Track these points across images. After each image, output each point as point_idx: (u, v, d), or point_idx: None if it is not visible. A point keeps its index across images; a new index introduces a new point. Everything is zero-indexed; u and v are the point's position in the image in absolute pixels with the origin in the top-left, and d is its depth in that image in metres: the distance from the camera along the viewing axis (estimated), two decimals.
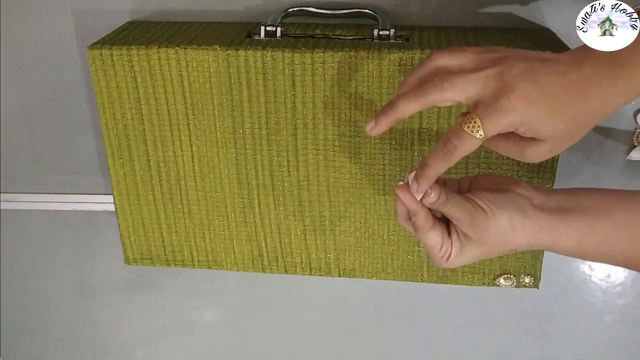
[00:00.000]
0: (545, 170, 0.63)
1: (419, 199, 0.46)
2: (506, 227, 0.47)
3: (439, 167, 0.44)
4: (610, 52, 0.41)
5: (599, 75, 0.41)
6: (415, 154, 0.63)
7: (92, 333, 0.97)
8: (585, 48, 0.42)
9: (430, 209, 0.48)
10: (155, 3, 0.72)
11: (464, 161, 0.63)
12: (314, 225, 0.69)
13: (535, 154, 0.44)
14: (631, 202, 0.48)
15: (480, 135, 0.42)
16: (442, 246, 0.49)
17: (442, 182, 0.50)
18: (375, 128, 0.46)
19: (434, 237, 0.48)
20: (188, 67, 0.62)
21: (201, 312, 0.92)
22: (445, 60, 0.45)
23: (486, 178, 0.51)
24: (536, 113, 0.41)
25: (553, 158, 0.62)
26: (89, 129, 0.79)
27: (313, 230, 0.69)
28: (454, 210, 0.47)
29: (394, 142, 0.63)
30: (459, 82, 0.43)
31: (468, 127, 0.42)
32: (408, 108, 0.45)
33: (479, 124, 0.42)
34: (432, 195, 0.46)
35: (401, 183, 0.47)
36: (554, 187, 0.63)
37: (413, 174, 0.46)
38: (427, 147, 0.63)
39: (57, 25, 0.73)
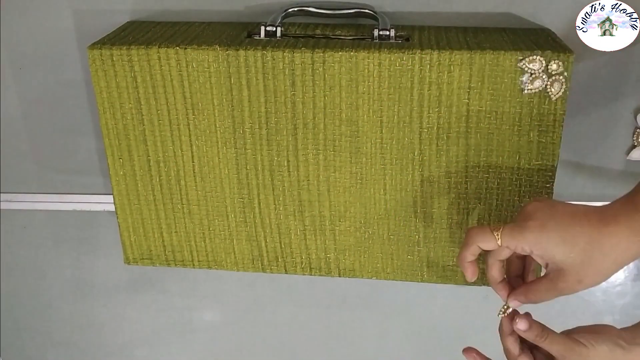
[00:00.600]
0: (545, 170, 0.63)
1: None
2: (608, 356, 0.51)
3: (469, 253, 0.55)
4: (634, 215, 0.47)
5: (617, 212, 0.48)
6: (415, 154, 0.63)
7: (92, 333, 0.97)
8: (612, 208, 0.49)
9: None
10: (155, 3, 0.72)
11: (463, 160, 0.63)
12: (314, 225, 0.69)
13: (565, 284, 0.50)
14: None
15: (499, 240, 0.51)
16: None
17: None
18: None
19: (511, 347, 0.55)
20: (188, 67, 0.62)
21: (201, 312, 0.92)
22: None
23: (578, 330, 0.55)
24: (547, 240, 0.49)
25: (553, 158, 0.62)
26: (89, 129, 0.79)
27: (313, 230, 0.69)
28: (554, 344, 0.52)
29: (394, 142, 0.63)
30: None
31: (495, 231, 0.52)
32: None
33: (499, 233, 0.52)
34: (523, 325, 0.53)
35: (473, 351, 0.58)
36: (553, 187, 0.63)
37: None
38: (428, 147, 0.63)
39: (57, 25, 0.73)
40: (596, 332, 0.53)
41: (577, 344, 0.51)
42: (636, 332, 0.53)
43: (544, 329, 0.53)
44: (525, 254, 0.51)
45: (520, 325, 0.53)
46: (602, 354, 0.51)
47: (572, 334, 0.53)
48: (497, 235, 0.51)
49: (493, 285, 0.57)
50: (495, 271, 0.55)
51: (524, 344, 0.56)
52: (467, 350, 0.58)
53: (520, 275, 0.57)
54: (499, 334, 0.57)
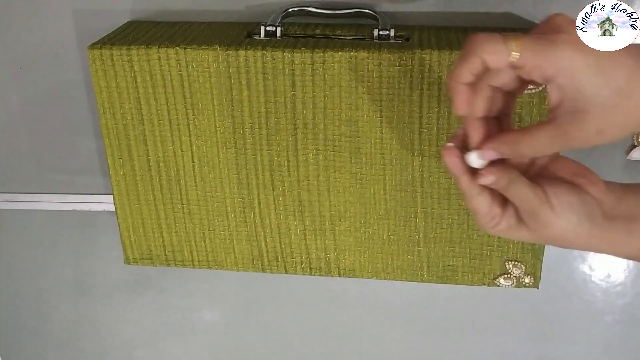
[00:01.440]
0: None
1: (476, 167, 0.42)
2: (568, 230, 0.43)
3: (462, 75, 0.40)
4: None
5: None
6: (415, 154, 0.63)
7: (92, 333, 0.97)
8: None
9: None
10: (156, 3, 0.72)
11: None
12: (314, 225, 0.69)
13: (580, 132, 0.38)
14: None
15: (514, 55, 0.37)
16: (488, 214, 0.44)
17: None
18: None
19: (478, 204, 0.44)
20: (188, 67, 0.62)
21: (201, 312, 0.92)
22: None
23: (566, 163, 0.45)
24: (584, 62, 0.36)
25: None
26: (89, 129, 0.79)
27: (313, 230, 0.69)
28: (517, 197, 0.42)
29: (394, 142, 0.63)
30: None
31: (508, 42, 0.38)
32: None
33: (522, 43, 0.37)
34: (489, 178, 0.42)
35: (450, 145, 0.42)
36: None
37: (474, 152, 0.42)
38: (428, 147, 0.63)
39: (57, 25, 0.73)
40: (577, 189, 0.44)
41: (543, 204, 0.42)
42: (624, 199, 0.45)
43: (511, 177, 0.42)
44: (538, 81, 0.38)
45: (486, 179, 0.41)
46: (567, 224, 0.43)
47: (550, 184, 0.43)
48: (514, 46, 0.37)
49: (468, 121, 0.42)
50: (480, 99, 0.41)
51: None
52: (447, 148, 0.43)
53: (496, 118, 0.43)
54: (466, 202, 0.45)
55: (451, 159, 0.43)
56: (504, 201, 0.44)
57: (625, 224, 0.45)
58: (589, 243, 0.44)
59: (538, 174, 0.45)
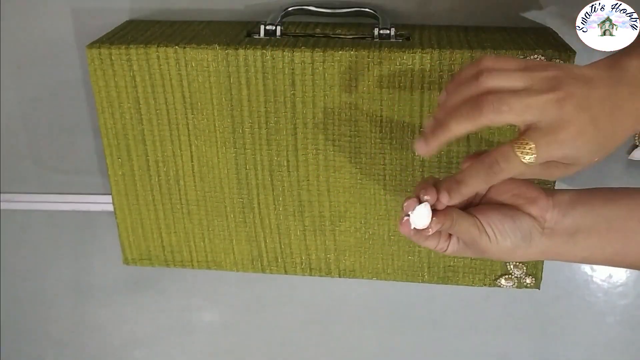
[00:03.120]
0: None
1: (442, 206, 0.45)
2: (507, 250, 0.47)
3: (477, 187, 0.44)
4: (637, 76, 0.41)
5: (631, 103, 0.41)
6: (416, 154, 0.63)
7: (91, 333, 0.96)
8: (618, 60, 0.42)
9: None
10: (155, 2, 0.71)
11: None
12: (314, 225, 0.68)
13: (561, 174, 0.43)
14: None
15: (530, 161, 0.41)
16: (436, 247, 0.50)
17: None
18: (426, 148, 0.44)
19: (427, 245, 0.49)
20: (187, 67, 0.62)
21: (200, 312, 0.92)
22: (497, 81, 0.42)
23: (506, 185, 0.48)
24: (588, 148, 0.41)
25: None
26: (87, 128, 0.79)
27: (313, 231, 0.69)
28: (459, 233, 0.47)
29: (394, 142, 0.63)
30: (518, 106, 0.40)
31: (521, 151, 0.41)
32: (460, 129, 0.42)
33: (534, 150, 0.40)
34: (438, 225, 0.46)
35: (406, 218, 0.46)
36: (560, 188, 0.62)
37: (416, 207, 0.45)
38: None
39: (56, 24, 0.73)
40: (514, 212, 0.48)
41: (482, 235, 0.47)
42: (569, 214, 0.48)
43: (453, 218, 0.46)
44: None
45: (433, 230, 0.45)
46: (503, 249, 0.47)
47: (485, 215, 0.47)
48: (526, 155, 0.41)
49: (424, 185, 0.46)
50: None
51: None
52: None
53: None
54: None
55: (406, 231, 0.47)
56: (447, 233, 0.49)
57: (567, 237, 0.48)
58: (530, 256, 0.48)
59: (478, 202, 0.50)
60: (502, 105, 0.40)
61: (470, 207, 0.50)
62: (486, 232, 0.47)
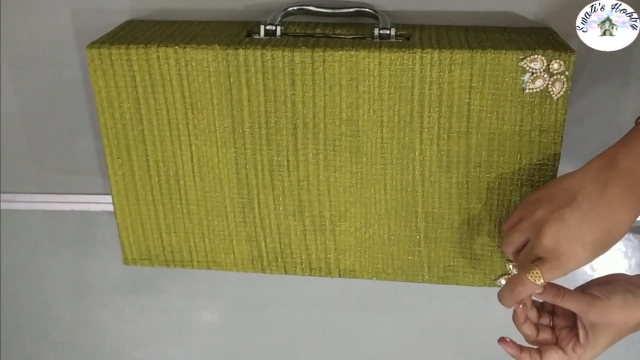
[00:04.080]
0: (547, 170, 0.62)
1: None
2: (623, 306, 0.54)
3: (510, 303, 0.56)
4: (630, 169, 0.49)
5: (624, 197, 0.50)
6: (416, 154, 0.63)
7: (90, 334, 0.96)
8: (603, 165, 0.52)
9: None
10: (155, 2, 0.71)
11: (464, 160, 0.63)
12: (314, 225, 0.68)
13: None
14: None
15: (541, 283, 0.53)
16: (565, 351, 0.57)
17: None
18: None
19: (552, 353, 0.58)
20: (187, 67, 0.62)
21: (200, 313, 0.92)
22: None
23: (590, 283, 0.57)
24: (584, 261, 0.52)
25: (554, 157, 0.62)
26: (87, 128, 0.79)
27: (313, 231, 0.69)
28: (571, 301, 0.55)
29: (394, 142, 0.63)
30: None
31: (532, 277, 0.53)
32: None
33: (541, 275, 0.52)
34: (543, 291, 0.55)
35: (508, 339, 0.60)
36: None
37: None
38: (429, 147, 0.62)
39: (56, 24, 0.73)
40: (606, 282, 0.55)
41: (593, 298, 0.54)
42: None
43: (559, 288, 0.55)
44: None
45: (537, 289, 0.55)
46: (617, 302, 0.53)
47: (585, 290, 0.56)
48: (536, 279, 0.53)
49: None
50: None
51: (543, 311, 0.60)
52: (502, 340, 0.60)
53: None
54: (514, 323, 0.59)
55: (509, 349, 0.61)
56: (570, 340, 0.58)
57: None
58: None
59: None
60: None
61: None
62: (594, 294, 0.54)
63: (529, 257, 0.54)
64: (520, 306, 0.57)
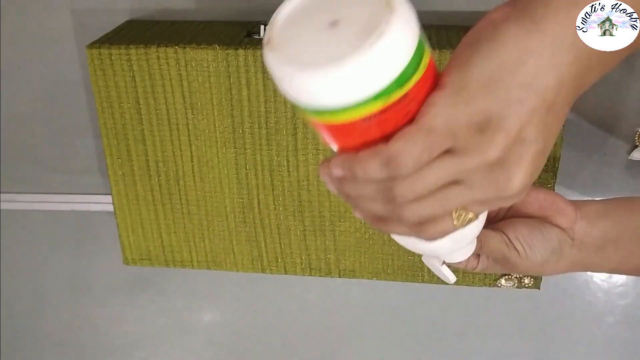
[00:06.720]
0: (547, 170, 0.62)
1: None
2: (538, 264, 0.47)
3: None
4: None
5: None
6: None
7: (90, 333, 0.96)
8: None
9: None
10: (155, 2, 0.71)
11: None
12: (314, 225, 0.68)
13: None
14: None
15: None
16: (466, 267, 0.49)
17: None
18: None
19: (458, 265, 0.50)
20: (187, 67, 0.62)
21: (200, 312, 0.92)
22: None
23: (533, 197, 0.48)
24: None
25: (555, 159, 0.62)
26: (87, 128, 0.79)
27: (313, 231, 0.69)
28: (488, 252, 0.47)
29: None
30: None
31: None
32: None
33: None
34: (473, 266, 0.48)
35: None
36: (555, 187, 0.62)
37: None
38: None
39: (56, 24, 0.73)
40: (542, 224, 0.47)
41: (511, 251, 0.47)
42: (596, 225, 0.47)
43: (482, 242, 0.47)
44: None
45: (474, 264, 0.48)
46: (535, 260, 0.47)
47: (513, 229, 0.47)
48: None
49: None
50: None
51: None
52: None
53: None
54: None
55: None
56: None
57: (596, 249, 0.47)
58: (560, 269, 0.48)
59: (503, 215, 0.49)
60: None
61: (496, 221, 0.49)
62: (515, 247, 0.47)
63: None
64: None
